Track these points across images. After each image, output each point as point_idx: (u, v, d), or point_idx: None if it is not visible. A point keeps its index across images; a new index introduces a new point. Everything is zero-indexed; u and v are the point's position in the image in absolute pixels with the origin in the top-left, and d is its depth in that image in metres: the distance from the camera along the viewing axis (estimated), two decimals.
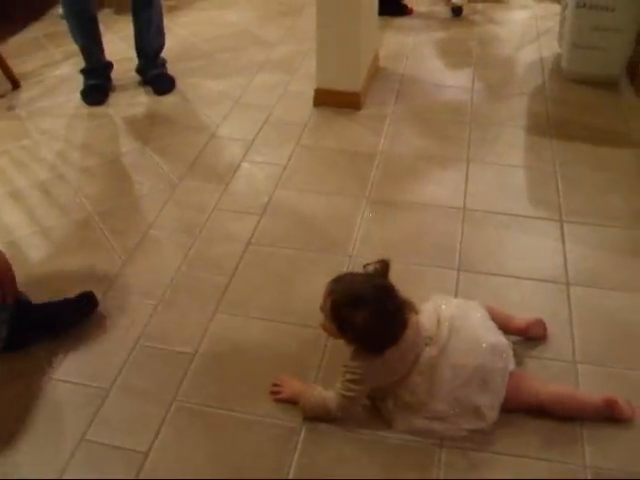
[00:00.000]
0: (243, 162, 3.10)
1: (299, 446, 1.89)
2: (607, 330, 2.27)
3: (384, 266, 1.94)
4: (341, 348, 2.01)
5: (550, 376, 2.09)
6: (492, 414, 1.91)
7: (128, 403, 2.01)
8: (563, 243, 2.63)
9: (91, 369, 2.11)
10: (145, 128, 3.42)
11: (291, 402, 2.00)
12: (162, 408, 1.98)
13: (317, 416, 1.96)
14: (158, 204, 2.83)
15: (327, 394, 1.94)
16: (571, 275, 2.47)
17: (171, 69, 3.83)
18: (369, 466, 1.85)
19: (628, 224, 2.75)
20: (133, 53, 3.76)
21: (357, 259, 2.51)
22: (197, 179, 2.99)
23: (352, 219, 2.74)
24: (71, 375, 2.10)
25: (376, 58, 3.91)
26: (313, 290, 2.38)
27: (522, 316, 2.20)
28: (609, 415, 1.95)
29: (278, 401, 2.01)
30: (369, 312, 1.82)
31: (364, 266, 1.98)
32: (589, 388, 2.06)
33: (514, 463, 1.86)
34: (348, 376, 1.90)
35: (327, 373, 2.09)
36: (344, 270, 2.44)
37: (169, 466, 1.84)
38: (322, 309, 1.94)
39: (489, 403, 1.90)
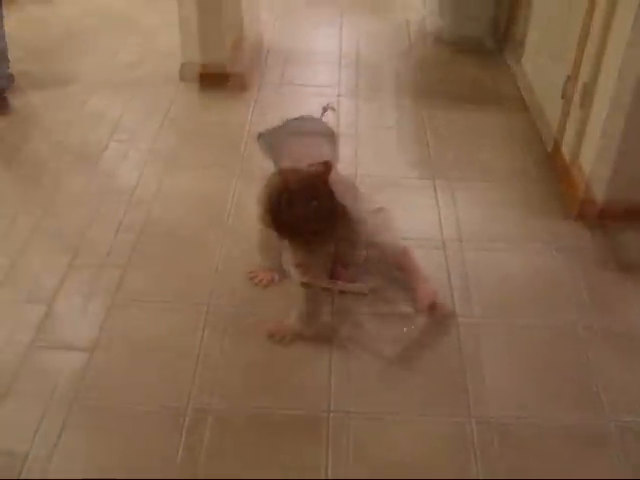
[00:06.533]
0: (110, 142, 2.99)
1: (185, 427, 1.83)
2: (487, 282, 2.32)
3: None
4: (220, 326, 1.97)
5: (432, 330, 2.15)
6: None
7: None
8: (437, 200, 2.66)
9: None
10: None
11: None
12: None
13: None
14: None
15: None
16: (446, 232, 2.51)
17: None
18: (258, 441, 1.82)
19: (497, 177, 2.82)
20: None
21: (232, 227, 2.51)
22: None
23: (225, 192, 2.69)
24: None
25: (242, 29, 3.84)
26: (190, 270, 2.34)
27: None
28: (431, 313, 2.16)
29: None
30: None
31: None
32: (471, 338, 2.10)
33: (401, 421, 1.87)
34: None
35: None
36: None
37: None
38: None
39: None
